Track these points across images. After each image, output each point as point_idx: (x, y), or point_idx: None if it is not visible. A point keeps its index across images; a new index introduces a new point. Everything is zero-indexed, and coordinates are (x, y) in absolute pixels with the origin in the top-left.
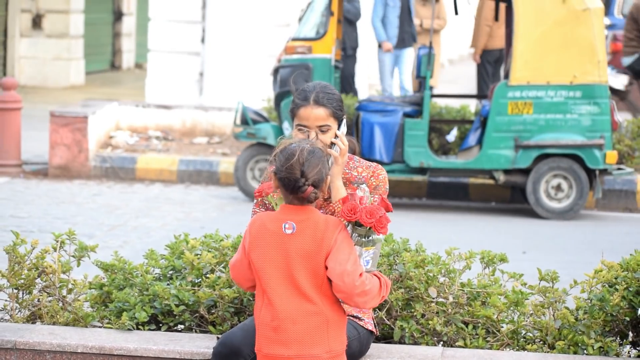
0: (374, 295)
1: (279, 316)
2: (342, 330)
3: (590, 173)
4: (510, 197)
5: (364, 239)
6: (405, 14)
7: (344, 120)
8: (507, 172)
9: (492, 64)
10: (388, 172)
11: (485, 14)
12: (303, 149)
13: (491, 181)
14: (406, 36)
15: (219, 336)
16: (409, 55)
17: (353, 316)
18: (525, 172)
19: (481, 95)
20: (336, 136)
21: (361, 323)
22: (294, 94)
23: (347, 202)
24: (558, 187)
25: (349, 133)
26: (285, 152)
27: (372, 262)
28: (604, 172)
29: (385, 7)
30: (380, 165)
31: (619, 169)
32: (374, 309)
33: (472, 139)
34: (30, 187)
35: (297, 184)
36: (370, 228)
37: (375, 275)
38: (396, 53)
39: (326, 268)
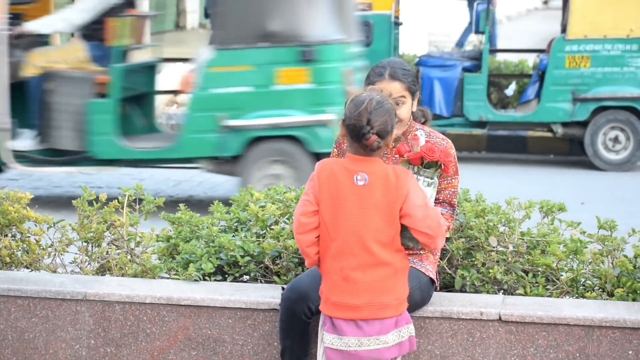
0: (444, 233)
1: (349, 266)
2: (406, 278)
3: None
4: (569, 150)
5: (430, 180)
6: None
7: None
8: (565, 124)
9: None
10: (448, 125)
11: None
12: (372, 99)
13: (549, 134)
14: None
15: (284, 286)
16: None
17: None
18: (583, 124)
19: (539, 49)
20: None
21: (422, 270)
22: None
23: (423, 145)
24: (615, 139)
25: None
26: (355, 100)
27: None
28: None
29: None
30: (451, 142)
31: None
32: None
33: (531, 92)
34: None
35: (362, 131)
36: (437, 169)
37: None
38: None
39: (400, 217)
